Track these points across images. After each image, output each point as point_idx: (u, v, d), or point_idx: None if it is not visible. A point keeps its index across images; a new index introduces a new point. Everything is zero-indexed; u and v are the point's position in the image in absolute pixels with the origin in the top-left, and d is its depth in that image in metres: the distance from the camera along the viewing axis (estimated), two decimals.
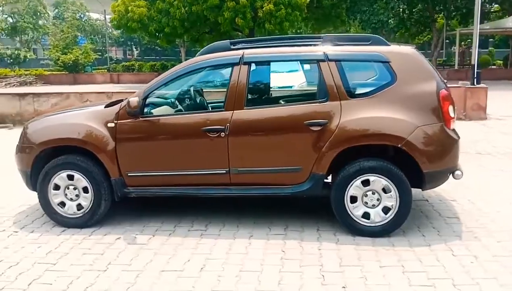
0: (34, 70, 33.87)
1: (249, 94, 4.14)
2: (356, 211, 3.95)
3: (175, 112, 4.48)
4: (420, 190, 4.17)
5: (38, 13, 53.69)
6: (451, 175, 3.97)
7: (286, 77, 8.90)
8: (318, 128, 3.90)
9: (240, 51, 4.15)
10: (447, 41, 37.87)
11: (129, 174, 4.23)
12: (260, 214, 4.53)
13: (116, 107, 4.27)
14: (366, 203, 3.94)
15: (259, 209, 4.66)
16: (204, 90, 4.78)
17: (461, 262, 3.47)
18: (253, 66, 4.14)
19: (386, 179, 3.86)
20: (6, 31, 52.04)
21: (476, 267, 3.40)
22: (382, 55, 3.96)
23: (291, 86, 4.85)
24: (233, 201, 4.81)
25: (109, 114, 4.25)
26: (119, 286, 3.25)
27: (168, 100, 4.58)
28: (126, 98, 4.16)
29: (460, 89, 10.93)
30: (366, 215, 3.95)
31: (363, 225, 3.96)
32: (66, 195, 4.33)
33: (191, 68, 4.24)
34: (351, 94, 3.96)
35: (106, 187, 4.26)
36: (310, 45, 4.16)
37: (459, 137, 4.01)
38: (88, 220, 4.33)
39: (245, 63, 4.09)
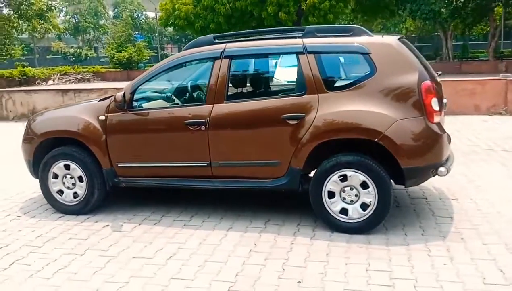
0: (91, 67, 35.58)
1: (229, 88, 4.17)
2: (334, 206, 3.89)
3: (165, 105, 4.59)
4: (421, 187, 4.02)
5: (99, 13, 56.27)
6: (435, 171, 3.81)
7: (285, 72, 8.85)
8: (295, 122, 3.87)
9: (222, 45, 4.19)
10: (507, 29, 35.75)
11: (118, 165, 4.41)
12: (247, 207, 4.56)
13: (107, 101, 4.46)
14: (344, 198, 3.87)
15: (249, 202, 4.69)
16: (195, 84, 4.85)
17: (433, 264, 3.33)
18: (234, 60, 4.16)
19: (363, 174, 3.77)
20: (69, 31, 55.09)
21: (448, 269, 3.24)
22: (361, 47, 3.86)
23: (277, 81, 4.84)
24: (225, 194, 4.88)
25: (101, 108, 4.45)
26: (88, 270, 3.41)
27: (163, 95, 4.72)
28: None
29: (500, 82, 10.32)
30: (344, 211, 3.88)
31: (341, 221, 3.89)
32: (63, 183, 4.58)
33: (175, 63, 4.34)
34: (329, 87, 3.90)
35: (99, 176, 4.46)
36: (292, 37, 4.13)
37: (444, 132, 3.85)
38: (83, 208, 4.56)
39: (226, 57, 4.12)
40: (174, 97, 4.74)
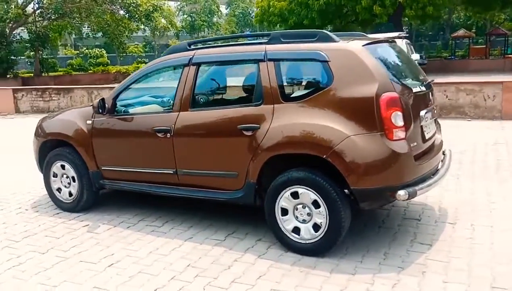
0: None
1: (195, 96, 4.09)
2: (287, 224, 3.63)
3: (140, 111, 4.62)
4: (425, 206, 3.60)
5: (212, 12, 58.93)
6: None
7: None
8: (250, 133, 3.68)
9: (192, 52, 4.12)
10: None
11: (102, 168, 4.59)
12: (225, 216, 4.43)
13: None
14: (297, 217, 3.59)
15: (228, 211, 4.54)
16: None
17: None
18: (201, 67, 4.07)
19: (314, 192, 3.45)
20: (186, 29, 58.59)
21: None
22: (321, 54, 3.50)
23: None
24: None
25: (90, 113, 4.66)
26: (34, 269, 3.60)
27: (143, 101, 4.81)
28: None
29: None
30: (296, 230, 3.60)
31: (293, 240, 3.62)
32: (61, 182, 4.90)
33: (150, 70, 4.39)
34: (285, 97, 3.62)
35: (87, 178, 4.69)
36: (257, 44, 3.91)
37: (407, 150, 3.34)
38: (75, 206, 4.84)
39: (193, 64, 4.05)
40: (143, 103, 4.79)
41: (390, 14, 21.51)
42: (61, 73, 32.32)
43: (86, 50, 39.49)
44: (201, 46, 4.21)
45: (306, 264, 3.45)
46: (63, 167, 4.83)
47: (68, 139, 4.71)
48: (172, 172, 4.15)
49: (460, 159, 6.28)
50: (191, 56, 4.08)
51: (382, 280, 3.17)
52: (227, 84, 4.37)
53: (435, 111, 4.00)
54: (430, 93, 3.91)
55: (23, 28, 28.07)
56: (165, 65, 4.32)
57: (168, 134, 4.06)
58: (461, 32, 32.97)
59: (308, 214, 3.53)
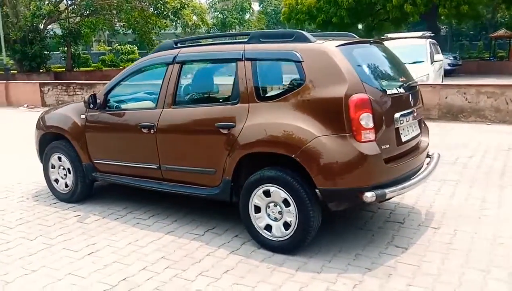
0: None
1: (178, 93, 4.17)
2: (259, 221, 3.68)
3: (129, 107, 4.75)
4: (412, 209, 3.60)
5: (244, 9, 59.09)
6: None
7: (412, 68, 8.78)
8: (226, 131, 3.74)
9: (177, 50, 4.22)
10: None
11: (94, 161, 4.75)
12: (211, 211, 4.51)
13: None
14: (269, 214, 3.64)
15: (217, 209, 4.62)
16: None
17: None
18: (184, 65, 4.16)
19: (284, 191, 3.49)
20: (217, 27, 59.00)
21: None
22: (295, 54, 3.53)
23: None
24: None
25: (84, 107, 4.82)
26: (20, 254, 3.78)
27: (134, 97, 4.94)
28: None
29: None
30: (268, 228, 3.65)
31: (265, 237, 3.68)
32: (58, 173, 5.10)
33: (137, 68, 4.51)
34: (260, 97, 3.67)
35: (81, 170, 4.87)
36: (238, 43, 3.97)
37: (376, 152, 3.33)
38: (70, 197, 5.02)
39: (177, 62, 4.15)
40: (136, 100, 4.91)
41: (422, 13, 21.04)
42: (92, 68, 33.20)
43: (118, 47, 40.39)
44: (186, 44, 4.31)
45: (275, 261, 3.50)
46: (60, 158, 5.03)
47: (63, 133, 4.89)
48: (156, 167, 4.26)
49: (466, 163, 6.15)
50: (175, 55, 4.18)
51: (345, 280, 3.18)
52: (209, 83, 4.44)
53: (417, 114, 3.94)
54: (412, 95, 3.87)
55: (56, 24, 28.97)
56: (151, 63, 4.44)
57: (152, 130, 4.17)
58: (501, 32, 31.47)
59: (279, 212, 3.57)
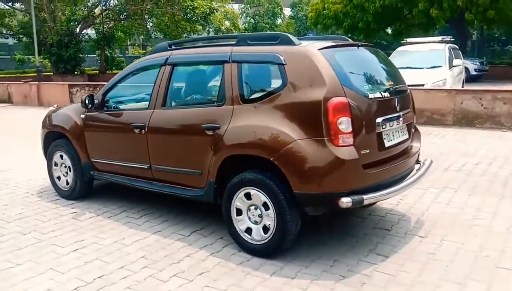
0: None
1: (168, 95, 4.21)
2: (240, 224, 3.68)
3: (124, 108, 4.82)
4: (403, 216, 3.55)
5: (276, 14, 59.23)
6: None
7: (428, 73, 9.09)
8: (212, 133, 3.76)
9: (170, 52, 4.28)
10: None
11: (92, 159, 4.86)
12: (203, 212, 4.52)
13: None
14: (250, 218, 3.63)
15: (209, 210, 4.62)
16: None
17: None
18: (175, 67, 4.20)
19: (264, 194, 3.48)
20: (248, 31, 59.34)
21: None
22: (279, 57, 3.52)
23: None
24: None
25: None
26: (10, 248, 3.90)
27: (131, 97, 5.03)
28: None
29: None
30: (249, 231, 3.64)
31: (245, 240, 3.67)
32: (60, 171, 5.24)
33: (133, 69, 4.62)
34: (244, 99, 3.67)
35: (80, 168, 4.99)
36: (226, 45, 3.98)
37: (354, 157, 3.27)
38: (70, 195, 5.15)
39: (169, 64, 4.21)
40: (137, 100, 4.98)
41: (449, 18, 20.55)
42: None
43: (151, 50, 41.12)
44: (182, 46, 4.37)
45: (252, 265, 3.48)
46: (61, 157, 5.16)
47: (64, 132, 5.03)
48: (146, 167, 4.32)
49: (471, 170, 5.96)
50: (167, 57, 4.25)
51: (317, 287, 3.13)
52: (197, 84, 4.47)
53: (405, 119, 3.84)
54: (399, 99, 3.78)
55: (92, 28, 29.82)
56: (147, 64, 4.52)
57: (143, 130, 4.24)
58: None
59: (260, 216, 3.56)
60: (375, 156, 3.48)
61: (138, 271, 3.44)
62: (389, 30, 27.84)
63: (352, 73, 3.53)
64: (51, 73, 26.96)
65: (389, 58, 12.30)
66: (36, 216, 4.68)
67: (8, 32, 28.85)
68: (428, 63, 11.09)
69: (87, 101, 4.64)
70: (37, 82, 17.36)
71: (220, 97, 3.82)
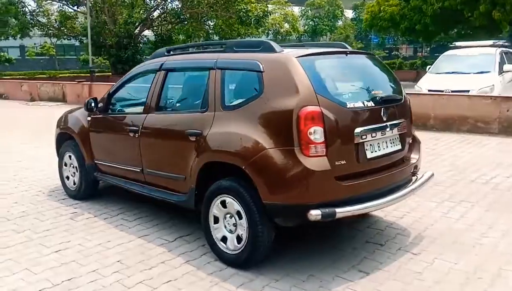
0: None
1: (160, 100, 4.17)
2: (217, 232, 3.54)
3: (124, 111, 4.81)
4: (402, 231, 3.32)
5: (336, 16, 58.36)
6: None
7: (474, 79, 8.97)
8: (194, 138, 3.66)
9: (165, 58, 4.28)
10: None
11: (95, 161, 4.91)
12: (189, 220, 4.41)
13: None
14: (225, 226, 3.48)
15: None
16: None
17: None
18: (169, 73, 4.19)
19: (237, 202, 3.31)
20: (308, 33, 58.97)
21: None
22: (258, 64, 3.38)
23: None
24: None
25: None
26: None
27: (133, 101, 5.01)
28: None
29: None
30: (224, 239, 3.49)
31: (221, 249, 3.52)
32: (69, 171, 5.35)
33: (133, 73, 4.67)
34: (224, 106, 3.55)
35: (85, 169, 5.05)
36: (215, 52, 3.91)
37: (326, 168, 3.02)
38: (77, 194, 5.24)
39: (163, 70, 4.20)
40: (136, 104, 4.96)
41: (511, 20, 19.19)
42: None
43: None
44: (179, 52, 4.35)
45: (222, 275, 3.33)
46: (70, 157, 5.26)
47: (72, 133, 5.14)
48: (139, 170, 4.29)
49: (498, 184, 5.40)
50: (162, 62, 4.23)
51: None
52: (186, 90, 4.38)
53: (390, 129, 3.51)
54: (386, 109, 3.45)
55: (150, 30, 30.88)
56: (145, 69, 4.55)
57: (137, 134, 4.22)
58: None
59: (234, 225, 3.41)
60: (353, 168, 3.22)
61: (108, 276, 3.38)
62: (452, 33, 26.46)
63: (330, 81, 3.30)
64: (110, 73, 28.15)
65: (436, 62, 11.62)
66: (36, 215, 4.78)
67: (70, 34, 30.49)
68: (476, 68, 10.38)
69: (89, 104, 4.70)
70: (89, 83, 18.10)
71: (204, 103, 3.73)
